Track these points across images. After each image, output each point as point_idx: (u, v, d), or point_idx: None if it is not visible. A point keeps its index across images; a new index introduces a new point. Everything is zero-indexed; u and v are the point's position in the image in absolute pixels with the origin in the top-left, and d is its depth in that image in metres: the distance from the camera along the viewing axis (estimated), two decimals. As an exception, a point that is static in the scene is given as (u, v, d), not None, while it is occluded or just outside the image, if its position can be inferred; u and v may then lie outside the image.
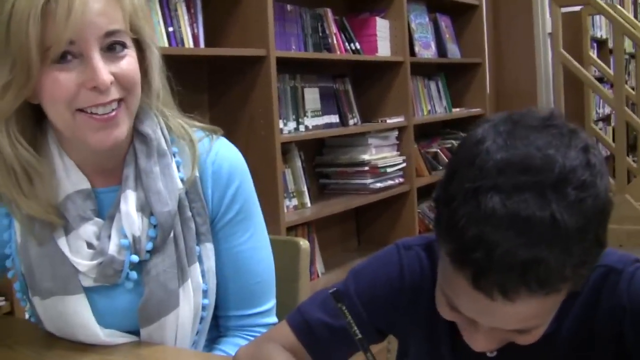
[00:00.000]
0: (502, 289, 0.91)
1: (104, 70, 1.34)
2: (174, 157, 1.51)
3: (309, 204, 3.79)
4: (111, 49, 1.36)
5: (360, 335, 1.05)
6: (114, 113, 1.38)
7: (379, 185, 4.15)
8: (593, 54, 6.49)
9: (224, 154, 1.55)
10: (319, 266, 3.92)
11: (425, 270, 1.19)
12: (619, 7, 5.09)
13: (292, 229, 3.55)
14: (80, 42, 1.32)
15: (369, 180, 4.10)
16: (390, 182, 4.26)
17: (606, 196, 0.94)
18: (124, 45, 1.38)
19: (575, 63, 5.16)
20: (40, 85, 1.34)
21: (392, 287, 1.20)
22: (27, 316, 1.63)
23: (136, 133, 1.48)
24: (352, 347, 1.22)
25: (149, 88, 1.47)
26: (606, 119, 7.72)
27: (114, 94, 1.37)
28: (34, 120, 1.44)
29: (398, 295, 1.20)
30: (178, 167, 1.50)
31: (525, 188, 0.89)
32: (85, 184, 1.46)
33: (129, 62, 1.39)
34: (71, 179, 1.46)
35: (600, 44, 7.64)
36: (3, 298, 2.27)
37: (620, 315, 1.07)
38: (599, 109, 7.50)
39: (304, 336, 1.21)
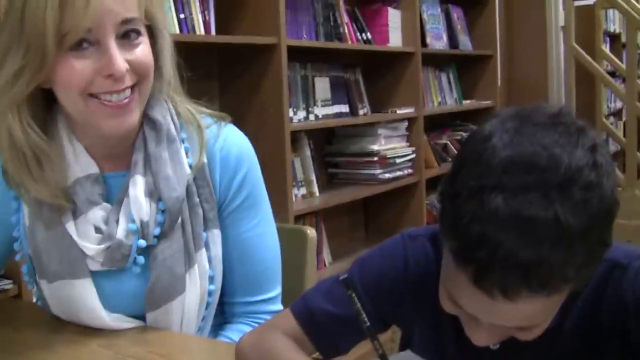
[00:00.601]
0: (503, 288, 0.91)
1: (120, 58, 1.34)
2: (183, 143, 1.51)
3: (317, 193, 3.79)
4: (126, 36, 1.36)
5: (368, 323, 1.05)
6: (127, 100, 1.38)
7: (387, 175, 4.15)
8: (605, 48, 6.45)
9: (232, 141, 1.55)
10: (327, 256, 3.92)
11: (430, 261, 1.19)
12: (632, 1, 5.04)
13: (300, 218, 3.55)
14: (97, 29, 1.32)
15: (378, 171, 4.09)
16: (399, 173, 4.26)
17: (612, 196, 0.93)
18: (138, 33, 1.38)
19: (588, 57, 5.14)
20: (55, 72, 1.34)
21: (397, 278, 1.20)
22: (34, 299, 1.64)
23: (146, 118, 1.49)
24: (356, 337, 1.22)
25: (160, 74, 1.47)
26: (617, 114, 7.68)
27: (128, 81, 1.37)
28: (44, 105, 1.44)
29: (402, 286, 1.20)
30: (187, 153, 1.51)
31: (529, 188, 0.88)
32: (94, 169, 1.47)
33: (142, 49, 1.39)
34: (80, 164, 1.46)
35: (613, 38, 7.60)
36: (11, 281, 2.28)
37: (624, 310, 1.06)
38: (611, 103, 7.47)
39: (308, 325, 1.21)
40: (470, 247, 0.91)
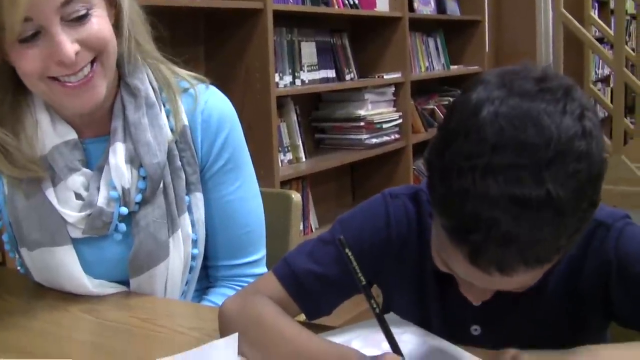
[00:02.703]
0: (499, 266, 0.91)
1: (67, 45, 1.30)
2: (164, 106, 1.50)
3: (303, 159, 3.79)
4: (73, 17, 1.32)
5: (364, 282, 1.05)
6: (90, 76, 1.36)
7: (374, 140, 4.14)
8: (594, 14, 6.43)
9: (213, 103, 1.53)
10: (313, 221, 3.92)
11: (411, 220, 1.19)
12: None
13: (286, 183, 3.55)
14: (36, 17, 1.28)
15: (365, 136, 4.09)
16: (386, 138, 4.26)
17: (601, 160, 0.92)
18: (87, 8, 1.34)
19: (576, 23, 5.11)
20: (12, 60, 1.33)
21: (379, 237, 1.20)
22: (17, 267, 1.63)
23: (123, 84, 1.47)
24: (340, 296, 1.23)
25: (121, 36, 1.43)
26: (605, 80, 7.70)
27: (83, 60, 1.35)
28: (15, 80, 1.41)
29: (384, 245, 1.20)
30: (168, 116, 1.49)
31: (520, 166, 0.87)
32: (72, 135, 1.46)
33: (92, 23, 1.35)
34: (58, 131, 1.45)
35: (602, 4, 7.60)
36: (-7, 249, 2.26)
37: (606, 269, 1.07)
38: (599, 69, 7.48)
39: (292, 287, 1.20)
40: (464, 227, 0.91)
